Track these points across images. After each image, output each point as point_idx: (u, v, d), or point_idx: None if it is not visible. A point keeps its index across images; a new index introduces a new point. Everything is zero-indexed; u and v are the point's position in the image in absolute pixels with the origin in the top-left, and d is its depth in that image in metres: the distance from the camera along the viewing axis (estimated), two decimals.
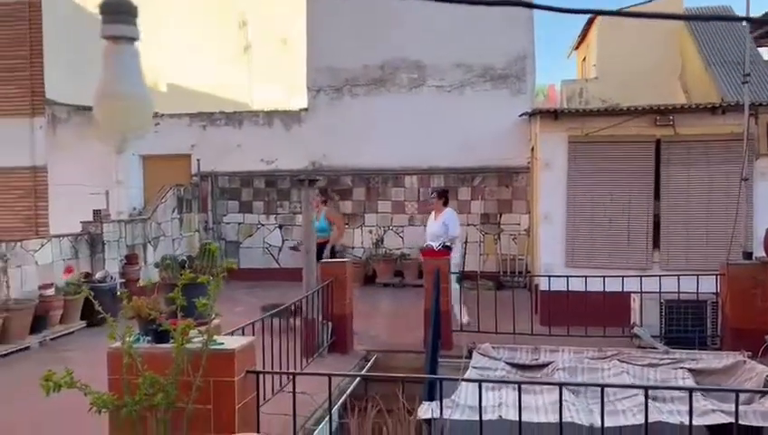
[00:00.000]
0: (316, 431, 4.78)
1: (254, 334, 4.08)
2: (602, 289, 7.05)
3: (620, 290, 7.25)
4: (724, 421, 4.63)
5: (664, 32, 14.71)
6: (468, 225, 11.46)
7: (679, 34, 14.91)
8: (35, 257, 8.46)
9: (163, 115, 12.35)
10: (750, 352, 6.19)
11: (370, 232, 12.37)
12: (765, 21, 9.24)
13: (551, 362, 6.28)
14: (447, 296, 7.30)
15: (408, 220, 12.26)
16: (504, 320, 7.24)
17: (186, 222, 12.26)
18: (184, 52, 15.14)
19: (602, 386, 3.87)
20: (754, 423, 4.72)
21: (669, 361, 6.22)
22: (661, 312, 7.32)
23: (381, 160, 12.24)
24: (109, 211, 10.59)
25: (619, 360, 6.21)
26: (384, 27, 12.21)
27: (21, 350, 7.43)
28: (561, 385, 3.84)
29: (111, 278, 9.18)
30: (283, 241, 12.67)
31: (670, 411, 4.88)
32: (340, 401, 5.50)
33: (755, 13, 8.58)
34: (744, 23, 9.79)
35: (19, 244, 8.31)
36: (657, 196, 8.42)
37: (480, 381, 4.30)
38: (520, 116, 11.11)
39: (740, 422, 4.25)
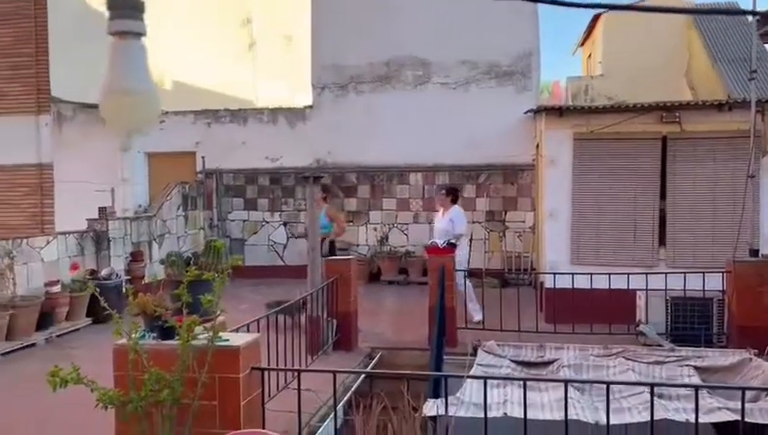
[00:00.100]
0: (321, 428, 4.78)
1: (258, 331, 4.08)
2: (608, 286, 7.04)
3: (626, 287, 7.22)
4: (731, 419, 4.60)
5: (670, 28, 14.62)
6: (473, 222, 11.44)
7: (685, 31, 14.83)
8: (41, 254, 8.50)
9: (168, 113, 12.35)
10: (756, 350, 6.15)
11: (375, 229, 12.36)
12: None
13: (556, 360, 6.26)
14: (452, 293, 7.30)
15: (413, 218, 12.25)
16: (510, 317, 7.23)
17: (191, 219, 12.28)
18: (188, 49, 15.13)
19: (608, 383, 3.85)
20: (761, 421, 4.69)
21: (675, 358, 6.20)
22: (667, 309, 7.30)
23: (386, 158, 12.24)
24: (114, 208, 10.63)
25: (624, 357, 6.19)
26: (389, 24, 12.19)
27: (27, 347, 7.46)
28: (566, 382, 3.83)
29: (117, 275, 9.20)
30: (288, 238, 12.69)
31: (676, 409, 4.86)
32: (345, 398, 5.50)
33: (762, 8, 8.52)
34: (751, 19, 9.73)
35: (25, 241, 8.34)
36: (663, 193, 8.39)
37: (485, 379, 4.29)
38: (525, 113, 11.08)
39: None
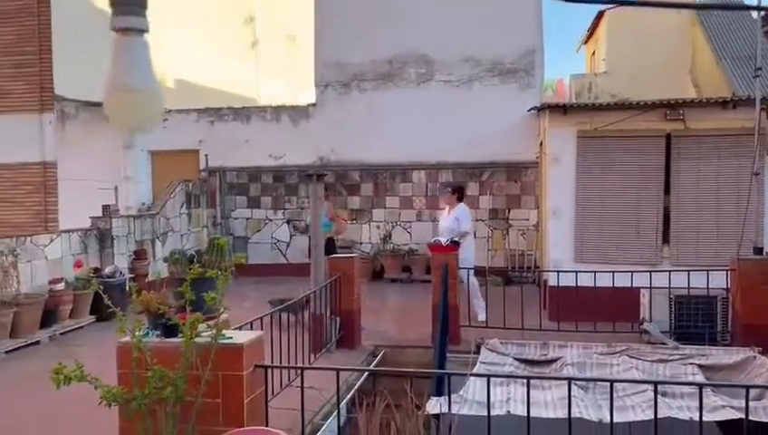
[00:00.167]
0: (324, 426, 4.78)
1: (262, 329, 4.08)
2: (611, 284, 7.03)
3: (630, 285, 7.21)
4: (735, 417, 4.59)
5: (674, 26, 14.59)
6: (477, 220, 11.43)
7: (689, 28, 14.78)
8: (45, 252, 8.52)
9: (171, 111, 12.36)
10: (760, 348, 6.14)
11: (378, 227, 12.36)
12: None
13: (559, 358, 6.25)
14: (455, 291, 7.29)
15: (416, 215, 12.24)
16: (513, 315, 7.22)
17: (194, 217, 12.30)
18: (191, 47, 15.17)
19: (611, 381, 3.84)
20: (765, 419, 4.68)
21: (679, 356, 6.19)
22: (671, 307, 7.28)
23: (389, 155, 12.22)
24: (118, 206, 10.64)
25: (628, 355, 6.18)
26: (392, 22, 12.17)
27: (31, 344, 7.48)
28: (569, 380, 3.82)
29: (120, 273, 9.22)
30: (291, 236, 12.70)
31: (680, 407, 4.85)
32: (349, 395, 5.50)
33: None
34: (756, 16, 9.69)
35: (29, 239, 8.36)
36: (666, 191, 8.36)
37: (488, 377, 4.30)
38: (528, 111, 11.05)
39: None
